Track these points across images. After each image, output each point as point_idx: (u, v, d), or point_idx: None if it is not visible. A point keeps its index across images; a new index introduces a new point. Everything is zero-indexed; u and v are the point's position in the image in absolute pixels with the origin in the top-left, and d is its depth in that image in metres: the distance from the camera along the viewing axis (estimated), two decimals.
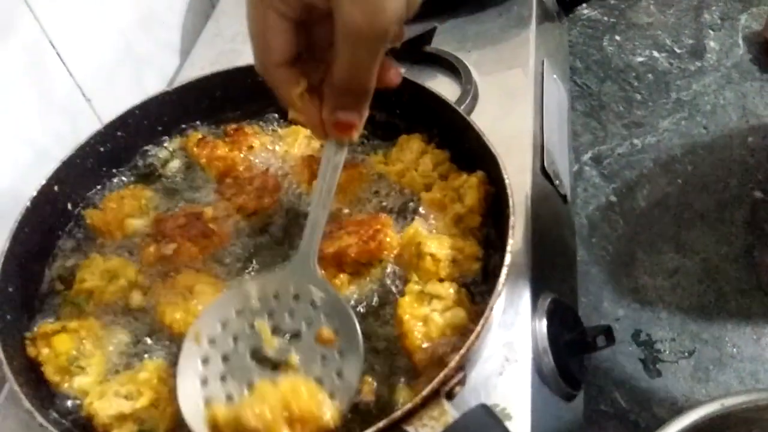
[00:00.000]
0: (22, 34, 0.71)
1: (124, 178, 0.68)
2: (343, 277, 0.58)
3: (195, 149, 0.69)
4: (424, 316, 0.52)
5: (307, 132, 0.70)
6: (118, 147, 0.67)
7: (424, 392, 0.43)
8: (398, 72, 0.45)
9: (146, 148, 0.70)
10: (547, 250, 0.73)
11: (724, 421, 0.66)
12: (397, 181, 0.65)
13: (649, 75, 1.17)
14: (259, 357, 0.49)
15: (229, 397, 0.48)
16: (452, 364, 0.44)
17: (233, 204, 0.64)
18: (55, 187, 0.61)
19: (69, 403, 0.51)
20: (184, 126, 0.72)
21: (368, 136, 0.70)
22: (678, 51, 1.20)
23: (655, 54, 1.20)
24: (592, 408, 0.79)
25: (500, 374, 0.59)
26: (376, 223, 0.58)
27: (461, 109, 0.77)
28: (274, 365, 0.49)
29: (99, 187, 0.67)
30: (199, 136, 0.71)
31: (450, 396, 0.44)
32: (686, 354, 0.83)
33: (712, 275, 0.89)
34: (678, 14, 1.26)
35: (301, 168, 0.67)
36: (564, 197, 0.82)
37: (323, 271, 0.54)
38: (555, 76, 0.94)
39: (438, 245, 0.55)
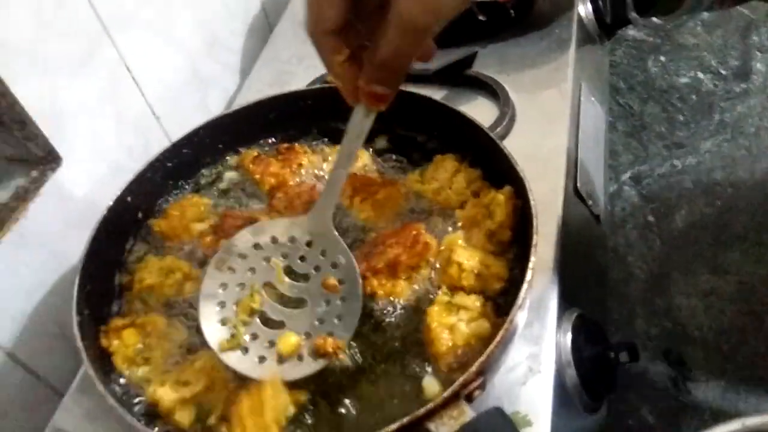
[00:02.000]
0: (103, 59, 0.79)
1: (186, 188, 0.76)
2: (403, 283, 0.63)
3: (251, 166, 0.76)
4: (450, 325, 0.56)
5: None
6: (183, 162, 0.74)
7: (446, 393, 0.47)
8: (433, 50, 0.49)
9: (207, 162, 0.77)
10: (576, 268, 0.76)
11: None
12: (433, 198, 0.70)
13: (693, 96, 1.18)
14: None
15: (245, 323, 0.57)
16: (472, 369, 0.48)
17: (284, 215, 0.71)
18: (128, 198, 0.69)
19: (132, 391, 0.58)
20: (240, 144, 0.79)
21: (405, 157, 0.75)
22: (723, 72, 1.21)
23: (700, 75, 1.21)
24: (620, 423, 0.82)
25: (524, 384, 0.62)
26: (412, 229, 0.63)
27: (498, 131, 0.82)
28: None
29: (164, 197, 0.74)
30: (255, 153, 0.78)
31: (470, 399, 0.49)
32: (717, 374, 0.85)
33: (747, 297, 0.90)
34: (725, 35, 1.27)
35: (344, 185, 0.73)
36: (597, 217, 0.85)
37: (382, 283, 0.61)
38: (593, 98, 0.97)
39: (468, 256, 0.60)
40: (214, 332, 0.56)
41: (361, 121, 0.51)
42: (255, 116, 0.77)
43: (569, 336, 0.66)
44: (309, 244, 0.58)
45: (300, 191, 0.73)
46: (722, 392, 0.82)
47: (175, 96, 0.93)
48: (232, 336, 0.56)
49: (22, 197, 0.72)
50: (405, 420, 0.46)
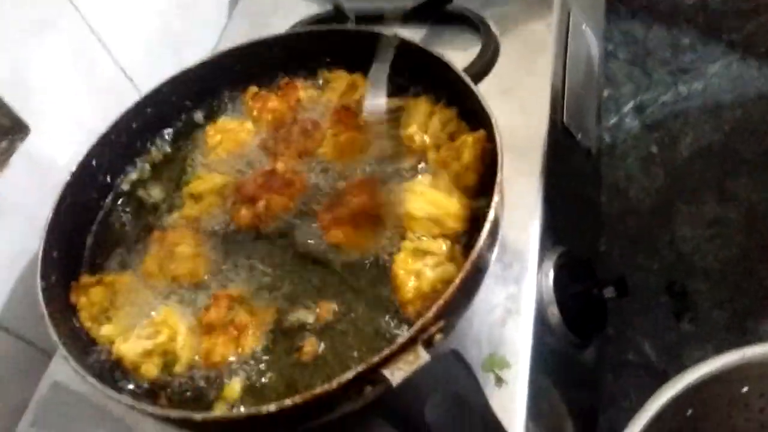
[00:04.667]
0: (66, 24, 0.77)
1: (154, 148, 0.74)
2: (368, 233, 0.61)
3: (250, 102, 0.74)
4: (416, 271, 0.54)
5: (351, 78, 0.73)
6: (148, 122, 0.73)
7: (401, 339, 0.46)
8: None
9: (174, 120, 0.75)
10: (563, 205, 0.73)
11: (743, 372, 0.64)
12: (408, 143, 0.67)
13: (700, 17, 1.10)
14: None
15: None
16: (429, 313, 0.46)
17: (291, 152, 0.68)
18: (93, 162, 0.68)
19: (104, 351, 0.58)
20: (207, 100, 0.76)
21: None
22: None
23: None
24: (619, 359, 0.80)
25: (502, 325, 0.61)
26: (376, 178, 0.61)
27: (479, 67, 0.78)
28: None
29: (134, 159, 0.73)
30: (256, 90, 0.75)
31: (430, 344, 0.47)
32: (722, 305, 0.81)
33: (755, 225, 0.85)
34: None
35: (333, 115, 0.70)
36: (588, 151, 0.81)
37: (347, 233, 0.59)
38: (584, 26, 0.91)
39: (416, 203, 0.57)
40: None
41: None
42: (219, 69, 0.75)
43: (551, 275, 0.64)
44: None
45: (296, 124, 0.71)
46: (726, 324, 0.79)
47: (148, 57, 0.91)
48: None
49: None
50: (360, 368, 0.45)
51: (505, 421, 0.55)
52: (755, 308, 0.79)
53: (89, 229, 0.67)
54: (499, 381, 0.57)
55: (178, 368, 0.54)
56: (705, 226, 0.87)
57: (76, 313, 0.60)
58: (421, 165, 0.66)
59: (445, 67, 0.66)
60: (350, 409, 0.50)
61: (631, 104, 1.02)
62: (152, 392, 0.55)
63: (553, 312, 0.63)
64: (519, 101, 0.77)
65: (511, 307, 0.61)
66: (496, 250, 0.57)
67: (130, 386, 0.56)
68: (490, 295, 0.63)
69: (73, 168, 0.66)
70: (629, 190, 0.94)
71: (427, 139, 0.66)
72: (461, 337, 0.61)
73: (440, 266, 0.54)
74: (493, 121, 0.58)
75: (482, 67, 0.80)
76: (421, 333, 0.46)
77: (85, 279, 0.61)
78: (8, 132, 0.74)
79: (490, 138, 0.62)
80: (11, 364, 0.72)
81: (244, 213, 0.64)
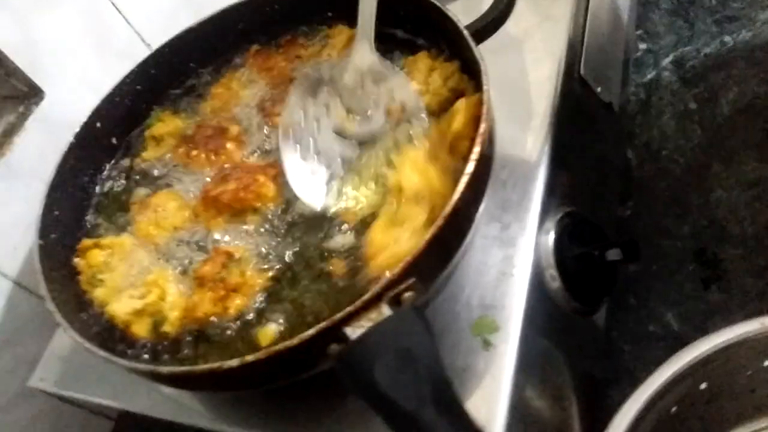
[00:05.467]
0: None
1: (161, 109, 0.74)
2: (220, 219, 0.61)
3: (251, 60, 0.73)
4: (395, 238, 0.52)
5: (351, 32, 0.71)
6: (154, 83, 0.73)
7: (366, 296, 0.44)
8: None
9: (179, 82, 0.75)
10: (574, 163, 0.69)
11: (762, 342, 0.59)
12: None
13: None
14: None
15: (328, 166, 0.59)
16: (396, 270, 0.45)
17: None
18: (97, 124, 0.69)
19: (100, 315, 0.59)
20: (212, 60, 0.76)
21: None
22: None
23: None
24: (639, 330, 0.75)
25: (495, 288, 0.58)
26: (262, 173, 0.60)
27: (493, 16, 0.74)
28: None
29: (141, 122, 0.74)
30: (257, 48, 0.74)
31: (397, 302, 0.45)
32: (756, 273, 0.75)
33: None
34: None
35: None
36: (608, 106, 0.75)
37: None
38: None
39: (414, 176, 0.55)
40: (303, 185, 0.58)
41: None
42: (222, 28, 0.74)
43: (551, 236, 0.60)
44: (360, 79, 0.60)
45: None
46: (759, 293, 0.73)
47: (167, 21, 0.91)
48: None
49: (8, 133, 0.74)
50: (322, 324, 0.44)
51: (489, 385, 0.54)
52: None
53: (93, 192, 0.69)
54: (487, 344, 0.55)
55: (167, 327, 0.54)
56: (742, 188, 0.80)
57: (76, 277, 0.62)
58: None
59: (438, 13, 0.63)
60: (321, 368, 0.49)
61: (670, 57, 0.95)
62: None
63: (552, 275, 0.59)
64: (533, 51, 0.73)
65: (506, 270, 0.58)
66: (481, 208, 0.54)
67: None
68: (486, 256, 0.60)
69: (77, 129, 0.68)
70: (663, 150, 0.87)
71: (431, 98, 0.63)
72: (452, 300, 0.59)
73: (418, 233, 0.52)
74: (482, 68, 0.54)
75: (496, 16, 0.75)
76: (387, 290, 0.45)
77: (85, 242, 0.62)
78: (25, 97, 0.76)
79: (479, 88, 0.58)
80: (31, 323, 0.76)
81: (180, 152, 0.65)
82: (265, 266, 0.58)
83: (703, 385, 0.61)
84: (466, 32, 0.58)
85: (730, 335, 0.60)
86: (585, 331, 0.64)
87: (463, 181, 0.48)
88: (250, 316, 0.54)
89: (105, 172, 0.70)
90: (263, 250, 0.59)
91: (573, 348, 0.63)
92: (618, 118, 0.79)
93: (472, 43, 0.57)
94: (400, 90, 0.59)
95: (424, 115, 0.57)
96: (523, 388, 0.54)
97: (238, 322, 0.54)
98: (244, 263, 0.57)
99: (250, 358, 0.44)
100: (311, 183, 0.59)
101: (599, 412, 0.65)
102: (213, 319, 0.54)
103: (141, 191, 0.67)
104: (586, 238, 0.63)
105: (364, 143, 0.59)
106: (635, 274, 0.79)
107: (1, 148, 0.73)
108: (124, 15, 0.86)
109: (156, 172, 0.68)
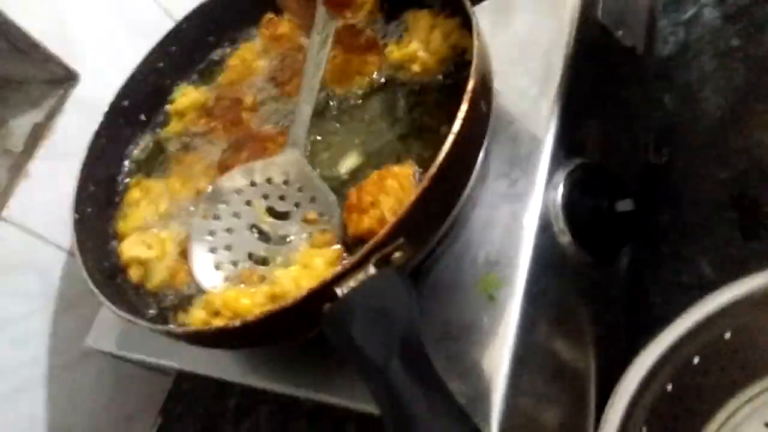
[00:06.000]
0: None
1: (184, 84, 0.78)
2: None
3: (263, 30, 0.75)
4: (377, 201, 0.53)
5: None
6: (174, 60, 0.76)
7: (353, 258, 0.46)
8: None
9: (200, 57, 0.78)
10: (590, 112, 0.66)
11: None
12: (408, 67, 0.64)
13: None
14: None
15: (234, 263, 0.58)
16: (382, 231, 0.46)
17: (297, 80, 0.66)
18: (125, 103, 0.73)
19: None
20: (230, 33, 0.78)
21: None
22: None
23: None
24: (672, 280, 0.73)
25: (502, 244, 0.58)
26: (271, 141, 0.63)
27: None
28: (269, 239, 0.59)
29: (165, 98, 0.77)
30: (271, 17, 0.76)
31: (386, 262, 0.47)
32: None
33: None
34: None
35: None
36: (632, 50, 0.72)
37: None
38: None
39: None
40: (206, 275, 0.59)
41: (318, 52, 0.54)
42: (237, 3, 0.76)
43: (560, 189, 0.59)
44: (286, 182, 0.60)
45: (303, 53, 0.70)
46: None
47: None
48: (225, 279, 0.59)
49: (50, 115, 0.79)
50: (315, 285, 0.46)
51: (493, 340, 0.54)
52: None
53: (124, 166, 0.74)
54: (492, 299, 0.55)
55: (149, 285, 0.58)
56: None
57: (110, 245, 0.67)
58: None
59: None
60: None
61: None
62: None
63: (562, 228, 0.59)
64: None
65: (513, 226, 0.58)
66: (477, 167, 0.54)
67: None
68: (494, 213, 0.60)
69: (105, 109, 0.72)
70: (702, 91, 0.83)
71: (429, 58, 0.63)
72: (459, 258, 0.59)
73: (404, 192, 0.53)
74: (473, 21, 0.54)
75: None
76: (374, 251, 0.46)
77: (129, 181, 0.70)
78: (62, 80, 0.82)
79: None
80: (83, 286, 0.82)
81: (200, 121, 0.69)
82: None
83: (728, 335, 0.59)
84: None
85: (756, 283, 0.58)
86: (604, 283, 0.63)
87: (449, 140, 0.48)
88: None
89: (135, 146, 0.74)
90: None
91: (590, 300, 0.62)
92: (644, 62, 0.75)
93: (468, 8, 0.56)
94: (321, 198, 0.58)
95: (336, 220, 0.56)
96: (530, 341, 0.54)
97: None
98: None
99: (251, 318, 0.47)
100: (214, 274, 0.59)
101: (625, 363, 0.65)
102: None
103: (174, 150, 0.72)
104: (601, 190, 0.61)
105: (276, 244, 0.59)
106: (669, 223, 0.76)
107: (46, 131, 0.79)
108: None
109: (180, 144, 0.71)
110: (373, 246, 0.46)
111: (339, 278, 0.46)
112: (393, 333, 0.38)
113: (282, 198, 0.59)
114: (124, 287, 0.63)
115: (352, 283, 0.45)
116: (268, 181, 0.60)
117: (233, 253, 0.59)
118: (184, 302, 0.61)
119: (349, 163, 0.62)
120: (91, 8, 0.82)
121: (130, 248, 0.61)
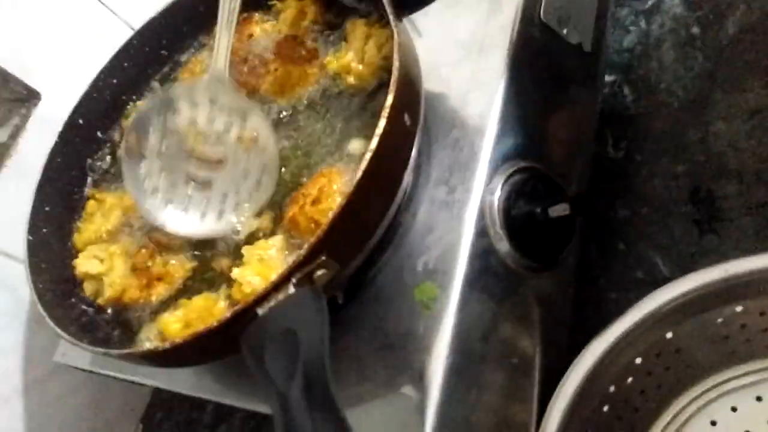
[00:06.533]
0: None
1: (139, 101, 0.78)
2: None
3: (211, 42, 0.75)
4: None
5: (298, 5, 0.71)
6: (129, 76, 0.77)
7: (274, 278, 0.47)
8: None
9: (154, 71, 0.79)
10: (532, 114, 0.66)
11: (736, 290, 0.56)
12: (344, 79, 0.64)
13: None
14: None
15: (174, 184, 0.61)
16: (302, 252, 0.46)
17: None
18: (80, 120, 0.74)
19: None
20: (181, 47, 0.78)
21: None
22: None
23: None
24: (626, 276, 0.73)
25: (439, 253, 0.59)
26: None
27: None
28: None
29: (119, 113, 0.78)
30: None
31: (310, 281, 0.47)
32: (753, 210, 0.70)
33: None
34: None
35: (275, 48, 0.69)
36: (578, 47, 0.72)
37: None
38: None
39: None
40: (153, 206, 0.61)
41: None
42: (186, 13, 0.76)
43: (497, 195, 0.60)
44: (212, 102, 0.61)
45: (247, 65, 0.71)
46: (756, 230, 0.68)
47: (154, 5, 0.95)
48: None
49: (13, 135, 0.81)
50: (238, 308, 0.47)
51: (427, 348, 0.55)
52: None
53: (84, 183, 0.75)
54: (428, 308, 0.56)
55: (101, 300, 0.60)
56: (744, 118, 0.74)
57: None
58: None
59: None
60: None
61: None
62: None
63: (499, 234, 0.59)
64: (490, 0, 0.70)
65: (450, 234, 0.59)
66: (405, 180, 0.54)
67: None
68: (432, 221, 0.60)
69: (60, 128, 0.73)
70: (661, 82, 0.82)
71: (364, 70, 0.63)
72: (399, 268, 0.60)
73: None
74: (396, 35, 0.54)
75: None
76: (295, 270, 0.47)
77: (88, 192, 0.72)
78: (24, 100, 0.83)
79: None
80: None
81: None
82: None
83: (669, 335, 0.59)
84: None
85: (691, 284, 0.58)
86: (547, 286, 0.63)
87: (366, 158, 0.48)
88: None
89: (95, 161, 0.76)
90: None
91: (534, 303, 0.62)
92: (595, 58, 0.74)
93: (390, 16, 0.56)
94: (255, 120, 0.59)
95: (276, 162, 0.58)
96: (466, 350, 0.55)
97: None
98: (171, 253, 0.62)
99: (178, 340, 0.48)
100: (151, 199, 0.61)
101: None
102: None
103: None
104: (539, 194, 0.61)
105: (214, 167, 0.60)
106: (625, 219, 0.76)
107: (10, 150, 0.81)
108: (108, 6, 0.90)
109: None
110: (294, 265, 0.47)
111: (261, 299, 0.47)
112: (298, 356, 0.39)
113: (211, 121, 0.61)
114: (81, 305, 0.65)
115: (272, 302, 0.46)
116: (193, 105, 0.61)
117: (170, 176, 0.61)
118: (145, 317, 0.62)
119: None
120: (49, 25, 0.83)
121: (83, 263, 0.63)
